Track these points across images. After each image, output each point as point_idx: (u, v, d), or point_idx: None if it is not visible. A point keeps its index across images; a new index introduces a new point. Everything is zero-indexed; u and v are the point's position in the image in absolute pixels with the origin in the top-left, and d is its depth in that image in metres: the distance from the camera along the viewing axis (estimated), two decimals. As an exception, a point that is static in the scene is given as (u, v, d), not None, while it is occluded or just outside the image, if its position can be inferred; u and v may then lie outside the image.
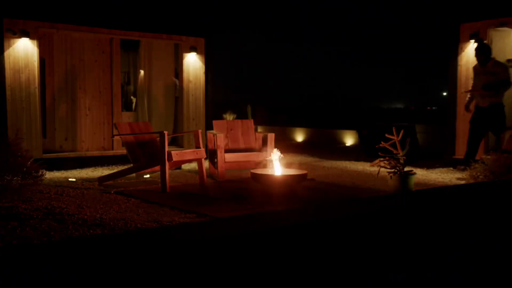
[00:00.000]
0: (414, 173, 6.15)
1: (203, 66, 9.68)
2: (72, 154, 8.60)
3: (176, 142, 9.80)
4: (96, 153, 8.83)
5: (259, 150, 7.60)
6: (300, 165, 8.42)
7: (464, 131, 8.49)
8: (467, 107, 7.99)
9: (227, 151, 7.41)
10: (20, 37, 7.79)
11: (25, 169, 5.89)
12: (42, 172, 6.17)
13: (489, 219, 3.28)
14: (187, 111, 9.55)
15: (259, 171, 6.25)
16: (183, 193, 6.21)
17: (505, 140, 8.11)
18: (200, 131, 6.98)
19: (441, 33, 9.35)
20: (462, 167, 7.66)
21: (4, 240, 4.00)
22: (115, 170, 7.51)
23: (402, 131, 6.21)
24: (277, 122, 18.28)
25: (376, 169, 6.49)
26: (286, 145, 12.53)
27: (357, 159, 9.80)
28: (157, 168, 6.53)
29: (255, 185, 6.20)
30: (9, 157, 5.73)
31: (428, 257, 2.68)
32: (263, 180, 5.95)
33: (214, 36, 10.06)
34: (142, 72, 10.19)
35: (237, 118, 8.46)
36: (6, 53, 7.73)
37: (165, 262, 1.91)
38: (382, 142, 6.31)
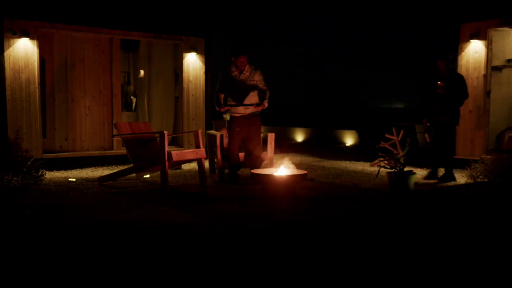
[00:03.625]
0: (414, 173, 6.15)
1: (203, 66, 9.68)
2: (72, 154, 8.61)
3: (176, 142, 9.80)
4: (96, 153, 8.83)
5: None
6: (300, 165, 8.42)
7: (464, 131, 8.50)
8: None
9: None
10: (20, 37, 7.79)
11: (25, 169, 5.89)
12: (42, 172, 6.17)
13: (489, 219, 3.28)
14: (187, 111, 9.55)
15: (259, 171, 6.25)
16: (183, 193, 6.21)
17: (505, 140, 8.12)
18: (200, 131, 6.97)
19: (441, 33, 9.34)
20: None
21: (4, 240, 4.00)
22: (115, 170, 7.51)
23: (402, 131, 6.21)
24: (277, 122, 18.29)
25: (376, 169, 6.49)
26: (286, 145, 12.53)
27: (357, 159, 9.80)
28: (157, 168, 6.53)
29: (255, 185, 6.20)
30: (9, 157, 5.73)
31: (428, 257, 2.68)
32: (263, 180, 5.95)
33: (214, 36, 10.06)
34: (142, 72, 10.19)
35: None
36: (6, 53, 7.73)
37: (165, 262, 1.91)
38: (382, 142, 6.31)
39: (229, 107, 6.88)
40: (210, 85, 9.86)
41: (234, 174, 7.00)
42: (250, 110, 6.85)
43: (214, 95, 7.02)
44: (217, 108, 7.00)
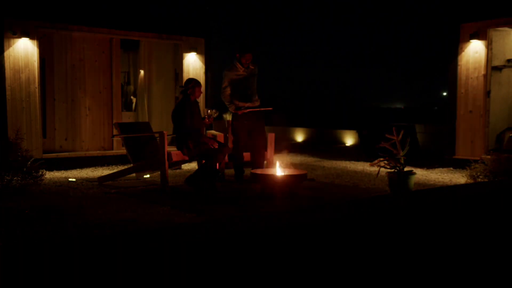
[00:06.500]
0: (414, 173, 6.15)
1: (203, 66, 9.68)
2: (72, 154, 8.60)
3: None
4: (96, 153, 8.83)
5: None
6: (300, 165, 8.42)
7: (464, 131, 8.50)
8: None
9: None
10: (20, 37, 7.79)
11: (25, 169, 5.90)
12: (42, 172, 6.17)
13: (489, 219, 3.28)
14: (187, 111, 9.55)
15: (259, 171, 6.25)
16: (183, 193, 6.21)
17: (505, 140, 8.11)
18: (200, 131, 6.96)
19: (441, 33, 9.32)
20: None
21: (4, 240, 4.00)
22: (115, 170, 7.51)
23: (402, 131, 6.21)
24: (277, 122, 18.30)
25: (376, 169, 6.49)
26: (286, 145, 12.52)
27: (357, 159, 9.80)
28: (157, 168, 6.52)
29: (255, 185, 6.20)
30: (9, 157, 5.73)
31: (428, 258, 2.68)
32: (263, 180, 5.95)
33: (214, 36, 10.06)
34: (142, 72, 10.20)
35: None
36: (6, 53, 7.73)
37: (165, 262, 1.91)
38: (382, 142, 6.30)
39: (244, 105, 6.92)
40: (210, 85, 9.86)
41: (240, 173, 7.00)
42: (258, 104, 7.01)
43: (223, 92, 6.99)
44: (227, 104, 6.99)
